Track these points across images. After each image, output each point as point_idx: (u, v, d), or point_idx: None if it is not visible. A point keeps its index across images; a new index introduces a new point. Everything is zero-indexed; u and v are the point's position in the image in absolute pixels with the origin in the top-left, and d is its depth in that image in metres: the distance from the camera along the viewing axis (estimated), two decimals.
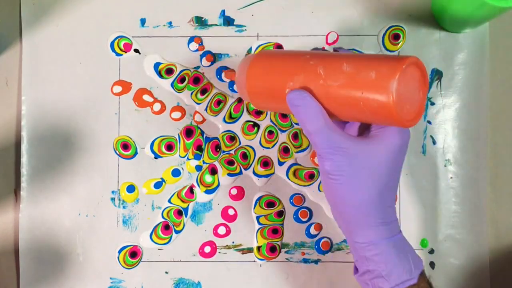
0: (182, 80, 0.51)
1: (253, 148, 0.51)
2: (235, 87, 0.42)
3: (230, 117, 0.51)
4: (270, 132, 0.51)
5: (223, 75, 0.52)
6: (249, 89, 0.41)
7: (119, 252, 0.51)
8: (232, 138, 0.51)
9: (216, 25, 0.52)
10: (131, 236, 0.51)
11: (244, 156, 0.51)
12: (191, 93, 0.51)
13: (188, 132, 0.51)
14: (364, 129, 0.40)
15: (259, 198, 0.51)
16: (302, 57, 0.38)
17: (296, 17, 0.51)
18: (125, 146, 0.51)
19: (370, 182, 0.36)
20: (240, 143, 0.51)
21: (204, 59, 0.52)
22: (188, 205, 0.51)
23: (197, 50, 0.52)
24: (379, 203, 0.36)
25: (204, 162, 0.51)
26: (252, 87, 0.40)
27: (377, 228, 0.37)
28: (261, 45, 0.51)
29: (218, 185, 0.51)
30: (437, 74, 0.51)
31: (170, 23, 0.52)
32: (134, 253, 0.51)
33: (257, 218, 0.51)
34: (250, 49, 0.51)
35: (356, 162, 0.35)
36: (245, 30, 0.52)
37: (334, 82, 0.35)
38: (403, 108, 0.34)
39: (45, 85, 0.51)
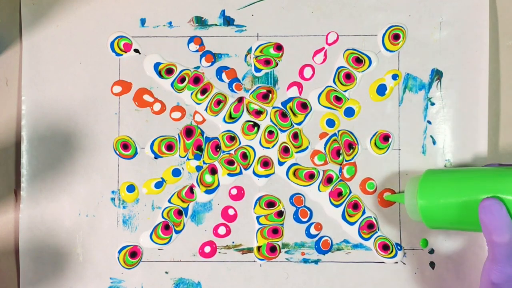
0: (182, 80, 0.51)
1: (253, 148, 0.51)
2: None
3: (230, 117, 0.51)
4: (270, 132, 0.51)
5: (223, 75, 0.52)
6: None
7: (119, 252, 0.51)
8: (232, 138, 0.51)
9: (216, 25, 0.52)
10: (131, 236, 0.51)
11: (244, 156, 0.51)
12: (191, 93, 0.51)
13: (188, 132, 0.51)
14: None
15: (259, 198, 0.51)
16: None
17: (296, 17, 0.51)
18: (125, 146, 0.51)
19: None
20: (240, 143, 0.51)
21: (204, 59, 0.52)
22: (188, 205, 0.51)
23: (197, 50, 0.52)
24: None
25: (204, 162, 0.51)
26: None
27: None
28: (261, 45, 0.51)
29: (218, 185, 0.51)
30: (437, 74, 0.51)
31: (170, 23, 0.52)
32: (134, 253, 0.51)
33: (257, 218, 0.51)
34: (250, 49, 0.51)
35: None
36: (245, 30, 0.52)
37: None
38: None
39: (45, 85, 0.51)
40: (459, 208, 0.40)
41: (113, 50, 0.52)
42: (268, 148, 0.51)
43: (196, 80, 0.52)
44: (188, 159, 0.51)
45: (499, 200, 0.37)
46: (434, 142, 0.51)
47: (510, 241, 0.36)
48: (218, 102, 0.52)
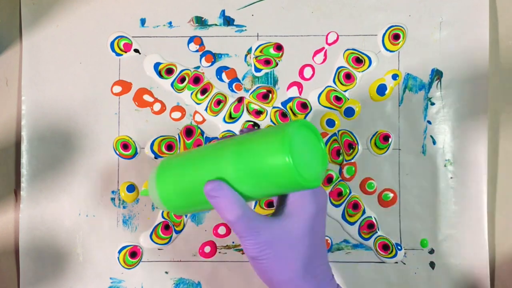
0: (182, 80, 0.51)
1: None
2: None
3: (230, 117, 0.51)
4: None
5: (223, 75, 0.52)
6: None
7: (119, 252, 0.51)
8: None
9: (216, 25, 0.52)
10: (131, 236, 0.51)
11: None
12: (191, 93, 0.51)
13: (188, 132, 0.51)
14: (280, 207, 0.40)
15: None
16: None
17: (296, 17, 0.51)
18: (125, 146, 0.51)
19: (295, 257, 0.36)
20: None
21: (204, 59, 0.52)
22: None
23: (197, 50, 0.52)
24: (307, 271, 0.37)
25: None
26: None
27: None
28: (261, 45, 0.51)
29: None
30: (437, 74, 0.51)
31: (170, 23, 0.52)
32: (134, 253, 0.51)
33: None
34: (250, 49, 0.51)
35: (276, 243, 0.36)
36: (245, 30, 0.52)
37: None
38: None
39: (45, 85, 0.51)
40: (192, 194, 0.38)
41: (113, 50, 0.52)
42: None
43: (196, 80, 0.52)
44: None
45: (221, 180, 0.36)
46: (434, 142, 0.51)
47: (242, 215, 0.36)
48: (218, 102, 0.52)
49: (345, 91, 0.51)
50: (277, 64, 0.52)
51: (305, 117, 0.51)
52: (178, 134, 0.51)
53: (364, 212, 0.51)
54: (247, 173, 0.36)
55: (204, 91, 0.52)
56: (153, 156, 0.51)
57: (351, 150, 0.51)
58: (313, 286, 0.37)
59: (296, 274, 0.37)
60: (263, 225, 0.36)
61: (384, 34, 0.51)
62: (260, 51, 0.51)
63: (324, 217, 0.39)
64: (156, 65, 0.52)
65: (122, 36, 0.52)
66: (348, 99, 0.51)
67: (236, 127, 0.51)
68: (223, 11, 0.52)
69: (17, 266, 0.51)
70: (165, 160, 0.40)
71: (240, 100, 0.52)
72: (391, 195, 0.51)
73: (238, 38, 0.52)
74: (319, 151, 0.37)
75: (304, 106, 0.51)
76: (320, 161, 0.37)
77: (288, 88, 0.51)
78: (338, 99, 0.51)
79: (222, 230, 0.51)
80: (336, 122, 0.51)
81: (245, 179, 0.36)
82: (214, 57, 0.52)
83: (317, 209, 0.37)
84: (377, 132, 0.51)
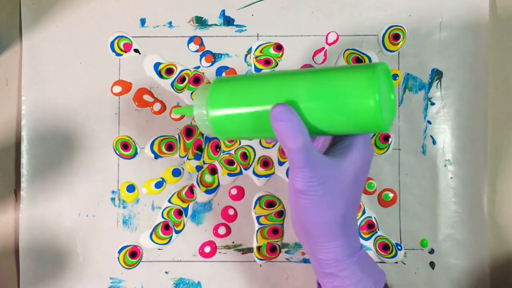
0: (182, 80, 0.51)
1: (253, 148, 0.51)
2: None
3: None
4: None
5: (223, 75, 0.52)
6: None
7: (119, 252, 0.51)
8: None
9: (216, 25, 0.52)
10: (131, 236, 0.51)
11: (244, 156, 0.51)
12: (191, 93, 0.51)
13: (188, 132, 0.51)
14: (326, 147, 0.40)
15: (259, 198, 0.51)
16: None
17: (296, 17, 0.51)
18: (125, 146, 0.51)
19: (338, 202, 0.36)
20: (240, 143, 0.51)
21: (204, 59, 0.52)
22: (188, 205, 0.51)
23: (197, 50, 0.52)
24: (344, 221, 0.37)
25: (204, 162, 0.51)
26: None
27: (342, 245, 0.37)
28: (261, 45, 0.51)
29: (218, 185, 0.51)
30: (437, 74, 0.51)
31: (170, 23, 0.52)
32: (134, 253, 0.51)
33: (257, 218, 0.51)
34: (250, 49, 0.51)
35: (328, 182, 0.35)
36: (245, 30, 0.52)
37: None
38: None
39: (45, 85, 0.51)
40: (251, 117, 0.36)
41: (113, 50, 0.52)
42: (268, 148, 0.51)
43: (196, 80, 0.52)
44: (188, 159, 0.51)
45: (289, 105, 0.35)
46: (434, 142, 0.51)
47: (304, 145, 0.34)
48: None
49: None
50: (277, 64, 0.52)
51: None
52: (178, 134, 0.51)
53: (364, 212, 0.51)
54: (323, 104, 0.34)
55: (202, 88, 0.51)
56: (153, 156, 0.51)
57: None
58: (350, 234, 0.37)
59: (336, 217, 0.36)
60: (321, 160, 0.35)
61: (384, 34, 0.51)
62: (260, 51, 0.51)
63: (368, 171, 0.39)
64: (156, 65, 0.52)
65: (122, 36, 0.52)
66: None
67: None
68: (223, 11, 0.52)
69: (17, 266, 0.51)
70: (222, 78, 0.39)
71: None
72: (391, 195, 0.51)
73: (238, 38, 0.52)
74: (390, 98, 0.37)
75: None
76: (391, 109, 0.37)
77: None
78: None
79: (222, 230, 0.51)
80: None
81: (318, 110, 0.35)
82: (214, 57, 0.52)
83: (367, 158, 0.37)
84: None
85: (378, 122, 0.34)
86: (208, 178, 0.51)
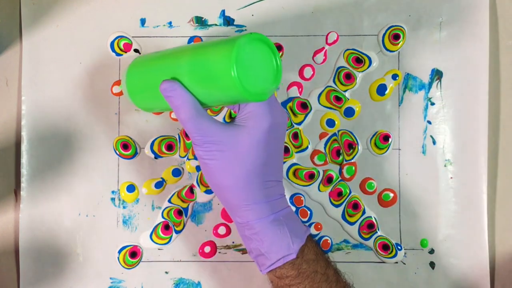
0: None
1: None
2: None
3: (230, 117, 0.51)
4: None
5: None
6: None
7: (119, 252, 0.51)
8: None
9: (216, 25, 0.52)
10: (131, 236, 0.51)
11: None
12: None
13: None
14: None
15: None
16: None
17: (296, 17, 0.51)
18: (125, 146, 0.51)
19: (239, 167, 0.38)
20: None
21: None
22: (188, 205, 0.51)
23: None
24: (248, 185, 0.39)
25: None
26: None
27: (253, 208, 0.39)
28: None
29: None
30: (437, 74, 0.51)
31: (170, 23, 0.52)
32: (134, 253, 0.51)
33: None
34: None
35: (224, 147, 0.38)
36: (245, 30, 0.52)
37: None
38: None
39: (45, 85, 0.51)
40: (153, 92, 0.40)
41: (113, 50, 0.52)
42: None
43: None
44: (188, 159, 0.51)
45: (175, 81, 0.38)
46: (434, 142, 0.51)
47: (193, 115, 0.38)
48: None
49: (345, 91, 0.51)
50: None
51: (305, 117, 0.51)
52: (178, 134, 0.51)
53: (364, 212, 0.51)
54: (198, 78, 0.37)
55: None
56: (153, 156, 0.51)
57: (351, 150, 0.51)
58: (260, 197, 0.39)
59: (239, 181, 0.39)
60: (215, 127, 0.38)
61: (384, 34, 0.51)
62: None
63: (282, 134, 0.41)
64: None
65: (122, 36, 0.52)
66: (348, 99, 0.51)
67: None
68: (223, 11, 0.52)
69: (17, 266, 0.51)
70: (137, 58, 0.43)
71: None
72: (391, 195, 0.51)
73: None
74: (272, 66, 0.38)
75: (304, 106, 0.51)
76: (272, 77, 0.38)
77: (288, 88, 0.51)
78: (338, 99, 0.51)
79: (222, 230, 0.51)
80: (336, 122, 0.51)
81: (197, 84, 0.38)
82: None
83: (272, 124, 0.39)
84: (377, 132, 0.51)
85: (241, 92, 0.35)
86: None
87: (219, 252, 0.51)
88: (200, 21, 0.52)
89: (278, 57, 0.38)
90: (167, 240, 0.51)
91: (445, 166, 0.51)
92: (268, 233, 0.39)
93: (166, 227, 0.51)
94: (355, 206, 0.51)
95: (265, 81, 0.38)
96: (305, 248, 0.40)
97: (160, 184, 0.51)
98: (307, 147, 0.51)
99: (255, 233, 0.39)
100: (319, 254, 0.41)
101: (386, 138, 0.51)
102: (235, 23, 0.52)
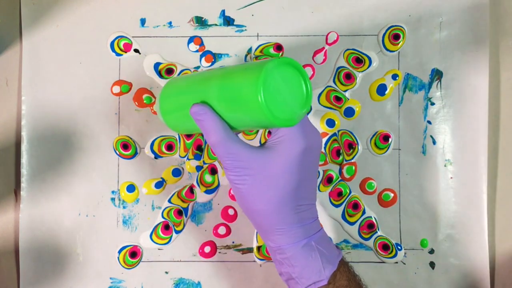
0: None
1: None
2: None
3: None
4: (270, 132, 0.51)
5: None
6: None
7: (119, 252, 0.51)
8: None
9: (216, 25, 0.52)
10: (131, 236, 0.51)
11: None
12: None
13: None
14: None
15: None
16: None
17: (296, 17, 0.51)
18: (125, 146, 0.51)
19: (268, 191, 0.37)
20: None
21: (204, 59, 0.52)
22: (188, 205, 0.51)
23: (197, 50, 0.52)
24: (287, 208, 0.38)
25: (204, 162, 0.51)
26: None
27: (285, 232, 0.38)
28: (261, 45, 0.51)
29: (218, 185, 0.51)
30: (437, 74, 0.51)
31: (170, 23, 0.52)
32: (134, 253, 0.51)
33: None
34: (250, 49, 0.51)
35: (255, 172, 0.37)
36: (245, 30, 0.52)
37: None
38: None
39: (45, 85, 0.51)
40: (185, 116, 0.40)
41: (113, 50, 0.52)
42: None
43: None
44: (188, 159, 0.51)
45: (205, 104, 0.38)
46: (434, 142, 0.51)
47: (222, 139, 0.37)
48: None
49: (345, 91, 0.51)
50: None
51: None
52: (178, 134, 0.51)
53: (364, 212, 0.51)
54: (227, 103, 0.37)
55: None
56: (153, 156, 0.51)
57: (351, 150, 0.51)
58: (292, 222, 0.38)
59: (271, 205, 0.37)
60: (245, 151, 0.37)
61: (384, 34, 0.51)
62: (260, 51, 0.51)
63: (316, 157, 0.40)
64: (156, 65, 0.51)
65: (122, 36, 0.52)
66: (348, 99, 0.51)
67: None
68: (223, 11, 0.52)
69: (17, 266, 0.51)
70: (170, 81, 0.43)
71: None
72: (391, 195, 0.51)
73: (238, 38, 0.51)
74: (301, 91, 0.37)
75: None
76: (302, 102, 0.37)
77: None
78: (338, 99, 0.51)
79: (222, 230, 0.51)
80: (336, 122, 0.51)
81: (226, 108, 0.37)
82: (214, 57, 0.52)
83: (305, 147, 0.38)
84: (377, 132, 0.51)
85: (269, 117, 0.35)
86: (208, 178, 0.51)
87: (219, 252, 0.51)
88: (200, 21, 0.52)
89: (308, 81, 0.37)
90: (167, 240, 0.51)
91: (445, 166, 0.51)
92: (299, 258, 0.38)
93: (166, 227, 0.51)
94: (355, 206, 0.51)
95: (294, 106, 0.37)
96: (337, 273, 0.39)
97: (160, 184, 0.51)
98: None
99: (286, 258, 0.38)
100: (351, 279, 0.40)
101: (386, 138, 0.51)
102: (235, 23, 0.52)
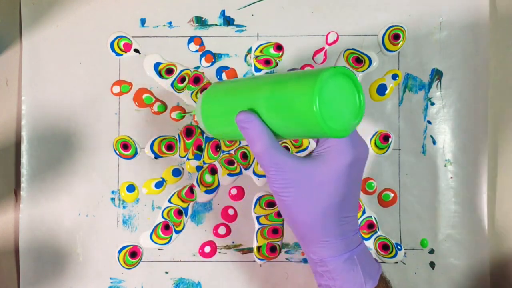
0: (182, 80, 0.51)
1: None
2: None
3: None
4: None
5: (223, 75, 0.52)
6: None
7: (119, 252, 0.51)
8: None
9: (216, 25, 0.52)
10: (131, 236, 0.51)
11: (244, 156, 0.51)
12: (191, 93, 0.51)
13: (188, 132, 0.51)
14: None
15: (259, 198, 0.51)
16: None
17: (296, 17, 0.51)
18: (125, 146, 0.51)
19: (315, 203, 0.36)
20: (240, 143, 0.51)
21: (204, 59, 0.52)
22: (188, 205, 0.51)
23: (197, 50, 0.52)
24: (331, 220, 0.37)
25: (204, 162, 0.51)
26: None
27: (328, 245, 0.37)
28: (261, 45, 0.51)
29: (218, 185, 0.51)
30: (437, 74, 0.51)
31: (170, 23, 0.52)
32: (134, 253, 0.51)
33: (257, 218, 0.51)
34: (250, 49, 0.51)
35: (301, 183, 0.36)
36: (245, 30, 0.52)
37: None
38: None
39: (45, 85, 0.51)
40: (228, 122, 0.39)
41: (113, 50, 0.52)
42: None
43: (196, 80, 0.52)
44: (188, 159, 0.51)
45: (252, 112, 0.36)
46: (434, 142, 0.51)
47: (267, 148, 0.36)
48: None
49: None
50: (277, 64, 0.52)
51: None
52: (178, 134, 0.51)
53: (364, 212, 0.51)
54: (277, 111, 0.35)
55: (204, 91, 0.51)
56: (153, 156, 0.51)
57: None
58: (336, 234, 0.37)
59: (317, 218, 0.36)
60: (290, 162, 0.36)
61: (384, 34, 0.51)
62: (260, 51, 0.51)
63: (362, 169, 0.38)
64: (156, 65, 0.52)
65: (122, 36, 0.52)
66: None
67: None
68: (223, 11, 0.52)
69: (17, 266, 0.51)
70: (214, 85, 0.42)
71: None
72: (391, 195, 0.51)
73: (238, 38, 0.52)
74: (354, 101, 0.36)
75: None
76: (355, 112, 0.36)
77: None
78: None
79: (222, 230, 0.51)
80: None
81: (275, 116, 0.36)
82: (214, 57, 0.52)
83: (353, 159, 0.37)
84: (377, 132, 0.51)
85: (322, 128, 0.33)
86: (208, 178, 0.51)
87: (219, 252, 0.51)
88: (200, 21, 0.52)
89: (361, 91, 0.36)
90: (167, 240, 0.51)
91: (445, 166, 0.51)
92: (341, 272, 0.37)
93: (166, 227, 0.51)
94: None
95: (347, 116, 0.35)
96: None
97: (160, 184, 0.51)
98: (307, 147, 0.51)
99: (327, 271, 0.38)
100: None
101: (386, 138, 0.51)
102: (235, 23, 0.52)
